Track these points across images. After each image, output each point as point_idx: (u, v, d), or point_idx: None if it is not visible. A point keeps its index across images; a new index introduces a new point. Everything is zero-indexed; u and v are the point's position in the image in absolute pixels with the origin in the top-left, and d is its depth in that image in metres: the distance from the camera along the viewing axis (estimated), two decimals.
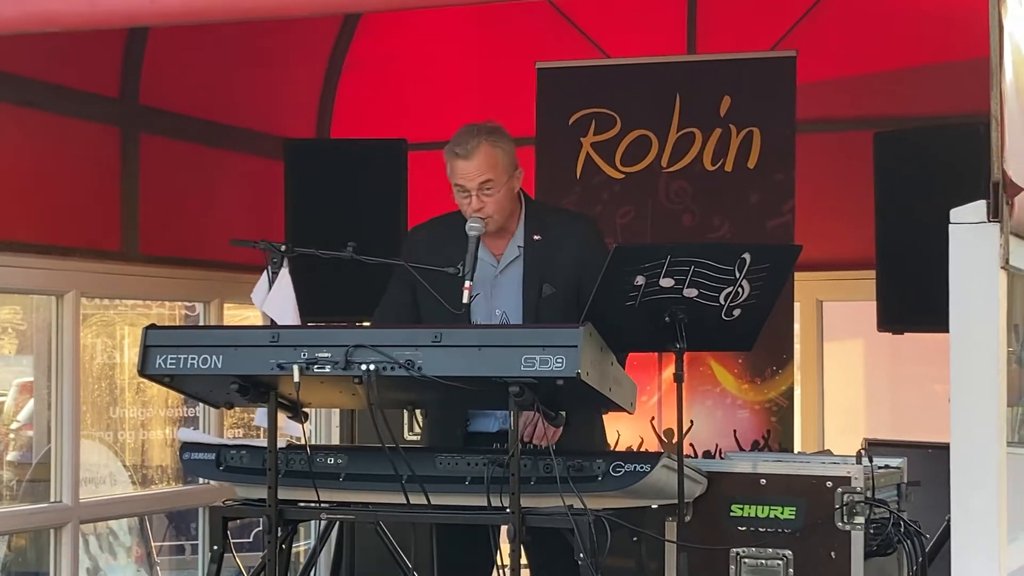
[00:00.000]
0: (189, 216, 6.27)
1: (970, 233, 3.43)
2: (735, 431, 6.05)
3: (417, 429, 5.61)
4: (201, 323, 6.50)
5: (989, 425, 3.42)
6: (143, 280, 6.11)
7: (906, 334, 5.87)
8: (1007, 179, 3.39)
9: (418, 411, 5.16)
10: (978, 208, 3.42)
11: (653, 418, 6.05)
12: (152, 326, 4.18)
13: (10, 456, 6.79)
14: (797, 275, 5.50)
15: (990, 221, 3.40)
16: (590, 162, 6.26)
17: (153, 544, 7.17)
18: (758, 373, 6.04)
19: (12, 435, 6.93)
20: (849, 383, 7.42)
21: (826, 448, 5.91)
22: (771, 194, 6.03)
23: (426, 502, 4.03)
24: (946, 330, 3.48)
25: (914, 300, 5.59)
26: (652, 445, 6.01)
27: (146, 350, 4.12)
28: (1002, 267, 3.42)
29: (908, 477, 4.56)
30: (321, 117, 7.09)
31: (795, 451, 5.86)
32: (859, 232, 6.01)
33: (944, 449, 3.50)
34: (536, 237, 4.56)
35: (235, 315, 6.74)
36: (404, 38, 6.96)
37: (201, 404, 6.40)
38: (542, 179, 6.24)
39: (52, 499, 5.67)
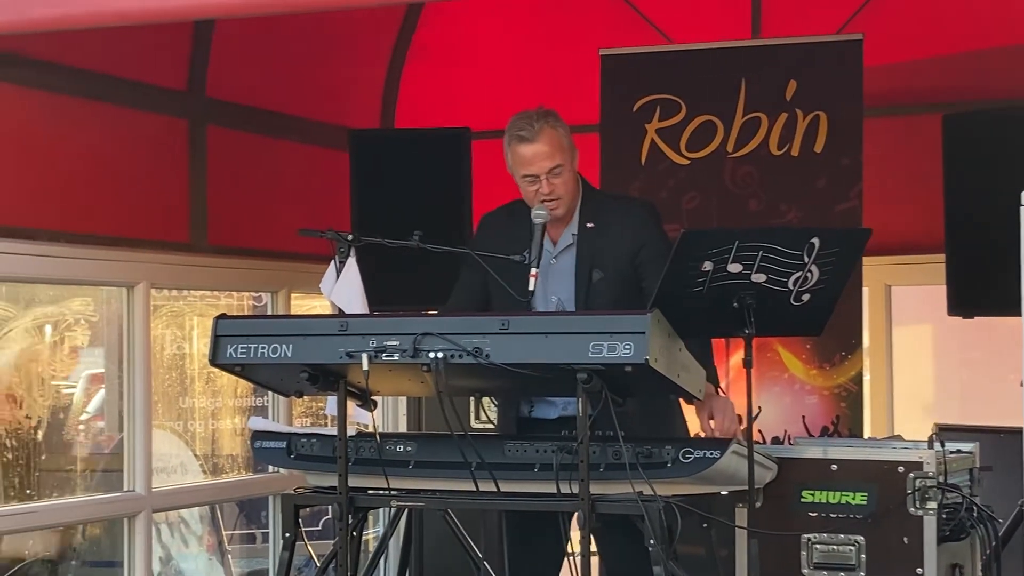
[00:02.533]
0: (256, 207, 6.32)
1: None
2: (803, 417, 6.02)
3: (484, 417, 5.63)
4: (269, 313, 6.54)
5: None
6: (212, 271, 6.17)
7: (976, 318, 5.82)
8: None
9: (484, 398, 5.18)
10: None
11: None
12: (223, 316, 4.22)
13: (81, 447, 6.86)
14: (865, 260, 5.47)
15: None
16: (655, 148, 6.24)
17: (224, 532, 7.23)
18: (827, 359, 6.00)
19: (82, 426, 7.00)
20: (918, 368, 7.36)
21: (896, 433, 5.87)
22: (838, 179, 5.98)
23: (495, 489, 4.04)
24: (1017, 314, 3.45)
25: (984, 284, 5.54)
26: None
27: (217, 340, 4.16)
28: None
29: (980, 462, 4.52)
30: (385, 107, 7.12)
31: (865, 437, 5.83)
32: (928, 216, 5.96)
33: (1016, 433, 3.48)
34: (589, 225, 4.57)
35: (302, 305, 6.78)
36: (467, 26, 6.97)
37: (270, 393, 6.46)
38: (607, 166, 6.23)
39: (125, 488, 5.73)
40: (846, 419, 5.99)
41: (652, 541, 3.86)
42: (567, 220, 4.58)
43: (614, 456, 3.97)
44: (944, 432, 4.43)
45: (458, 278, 4.73)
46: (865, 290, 6.18)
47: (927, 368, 7.49)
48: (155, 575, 6.01)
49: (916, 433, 4.75)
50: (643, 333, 3.76)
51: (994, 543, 4.30)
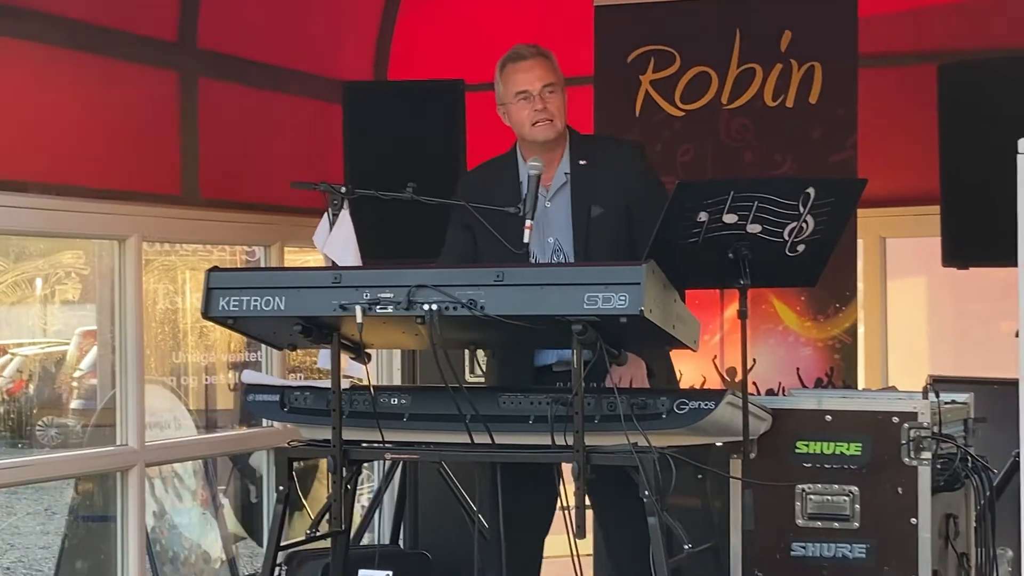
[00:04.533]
0: (249, 160, 6.28)
1: None
2: (798, 369, 6.01)
3: (478, 370, 5.61)
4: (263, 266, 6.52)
5: None
6: (204, 224, 6.13)
7: (971, 270, 5.80)
8: None
9: (479, 351, 5.16)
10: None
11: (715, 356, 6.02)
12: (215, 268, 4.20)
13: (74, 403, 6.86)
14: (860, 212, 5.44)
15: None
16: (649, 100, 6.21)
17: (218, 487, 7.23)
18: (821, 311, 5.99)
19: (75, 383, 7.00)
20: (913, 320, 7.35)
21: (891, 385, 5.87)
22: (833, 130, 5.96)
23: (490, 441, 4.04)
24: (1013, 264, 3.43)
25: (980, 234, 5.52)
26: (714, 384, 5.98)
27: (209, 292, 4.14)
28: None
29: (974, 413, 4.52)
30: (379, 59, 7.07)
31: (859, 388, 5.82)
32: (923, 167, 5.93)
33: (1011, 385, 3.47)
34: (582, 162, 4.60)
35: (295, 259, 6.76)
36: None
37: (264, 349, 6.44)
38: (601, 118, 6.20)
39: (118, 443, 5.72)
40: (840, 371, 5.99)
41: (647, 492, 3.86)
42: (556, 161, 4.59)
43: (609, 407, 3.97)
44: (938, 383, 4.43)
45: (445, 237, 4.72)
46: (860, 242, 6.17)
47: (921, 320, 7.47)
48: (149, 529, 6.00)
49: (910, 385, 4.75)
50: (638, 284, 3.75)
51: (988, 493, 4.31)
